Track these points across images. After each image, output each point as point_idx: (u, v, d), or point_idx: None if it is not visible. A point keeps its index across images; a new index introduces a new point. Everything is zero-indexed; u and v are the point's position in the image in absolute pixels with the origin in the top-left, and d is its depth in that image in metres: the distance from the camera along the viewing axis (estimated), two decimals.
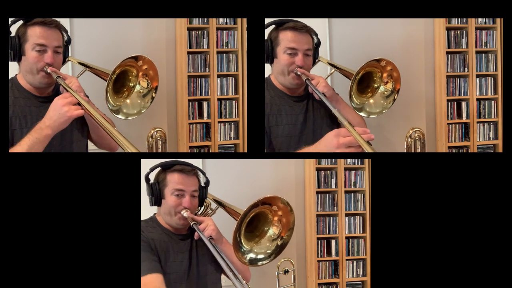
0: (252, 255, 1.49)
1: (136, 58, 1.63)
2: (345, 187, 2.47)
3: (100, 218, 1.63)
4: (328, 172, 2.46)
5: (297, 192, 2.43)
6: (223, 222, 1.64)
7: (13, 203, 1.61)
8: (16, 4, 1.69)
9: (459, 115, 2.38)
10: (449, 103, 2.36)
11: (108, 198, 1.64)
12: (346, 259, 2.46)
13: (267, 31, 1.84)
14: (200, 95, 2.34)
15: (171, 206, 1.60)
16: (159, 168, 1.65)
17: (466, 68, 2.36)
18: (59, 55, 1.63)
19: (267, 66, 1.87)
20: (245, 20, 2.28)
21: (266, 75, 1.88)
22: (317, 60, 1.89)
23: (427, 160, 1.76)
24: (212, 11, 1.83)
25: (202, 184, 1.68)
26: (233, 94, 2.38)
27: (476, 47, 2.36)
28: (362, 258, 2.48)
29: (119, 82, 1.65)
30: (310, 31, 1.81)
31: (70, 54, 1.73)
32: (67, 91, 1.54)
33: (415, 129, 2.25)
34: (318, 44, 1.86)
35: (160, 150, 2.23)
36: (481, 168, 1.72)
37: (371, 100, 1.81)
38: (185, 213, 1.59)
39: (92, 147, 1.80)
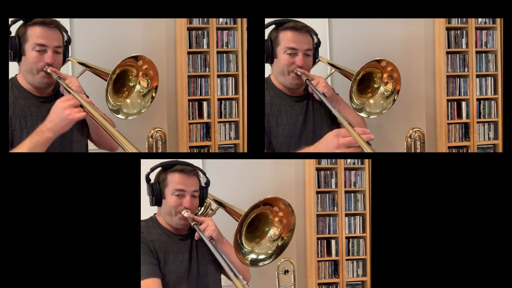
0: (253, 256, 1.49)
1: (136, 58, 1.63)
2: (345, 187, 2.47)
3: (100, 218, 1.63)
4: (328, 172, 2.46)
5: (297, 192, 2.42)
6: (223, 223, 1.64)
7: (13, 203, 1.61)
8: (16, 4, 1.69)
9: (459, 115, 2.38)
10: (449, 103, 2.36)
11: (108, 198, 1.64)
12: (346, 259, 2.46)
13: (267, 31, 1.84)
14: (200, 95, 2.34)
15: (172, 206, 1.60)
16: (159, 168, 1.65)
17: (466, 68, 2.36)
18: (59, 55, 1.63)
19: (267, 66, 1.87)
20: (245, 20, 2.27)
21: (266, 75, 1.88)
22: (317, 60, 1.88)
23: (427, 160, 1.75)
24: (212, 11, 1.83)
25: (203, 184, 1.68)
26: (233, 94, 2.37)
27: (476, 47, 2.36)
28: (362, 258, 2.48)
29: (119, 82, 1.65)
30: (310, 31, 1.80)
31: (70, 54, 1.73)
32: (67, 91, 1.54)
33: (415, 129, 2.25)
34: (318, 44, 1.86)
35: (160, 150, 2.22)
36: (481, 168, 1.72)
37: (371, 101, 1.81)
38: (185, 213, 1.59)
39: (92, 147, 1.80)
